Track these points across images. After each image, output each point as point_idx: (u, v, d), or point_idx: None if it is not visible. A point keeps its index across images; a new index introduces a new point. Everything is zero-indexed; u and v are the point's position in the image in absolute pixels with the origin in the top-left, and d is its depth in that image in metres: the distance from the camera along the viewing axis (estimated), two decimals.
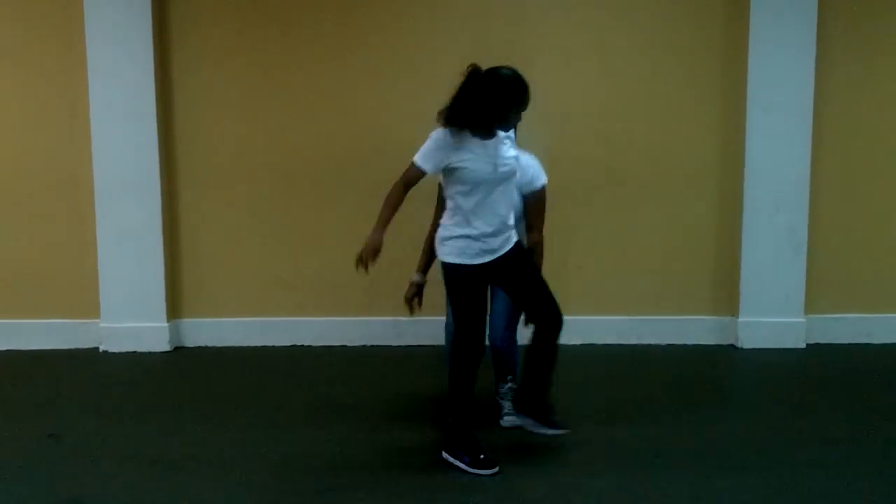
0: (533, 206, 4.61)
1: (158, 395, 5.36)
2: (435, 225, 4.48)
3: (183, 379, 5.72)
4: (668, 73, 6.28)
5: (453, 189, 4.11)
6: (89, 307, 6.35)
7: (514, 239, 4.23)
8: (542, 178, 4.61)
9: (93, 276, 6.28)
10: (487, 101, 4.02)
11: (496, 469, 3.99)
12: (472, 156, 4.00)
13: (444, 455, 4.13)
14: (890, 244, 6.42)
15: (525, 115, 4.22)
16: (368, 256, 4.09)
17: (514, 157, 4.17)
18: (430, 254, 4.60)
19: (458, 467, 4.03)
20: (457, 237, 4.10)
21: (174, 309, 6.42)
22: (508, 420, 4.54)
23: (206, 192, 6.37)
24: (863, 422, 4.70)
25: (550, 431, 4.21)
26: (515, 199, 4.39)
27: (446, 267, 4.17)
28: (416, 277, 4.71)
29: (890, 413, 4.86)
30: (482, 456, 4.03)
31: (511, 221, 4.18)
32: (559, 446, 4.30)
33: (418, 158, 4.08)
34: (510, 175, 4.12)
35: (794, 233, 6.23)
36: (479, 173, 3.99)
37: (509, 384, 4.63)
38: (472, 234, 4.06)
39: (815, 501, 3.64)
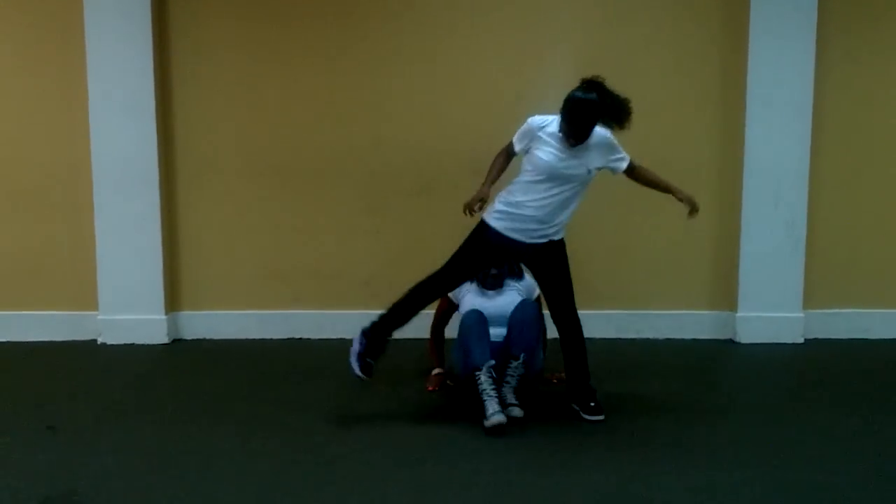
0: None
1: (156, 387, 5.36)
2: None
3: (181, 371, 5.72)
4: (668, 69, 6.28)
5: (525, 168, 4.56)
6: (87, 299, 6.36)
7: (557, 237, 4.63)
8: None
9: (91, 268, 6.29)
10: (561, 114, 4.46)
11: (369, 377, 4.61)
12: (550, 149, 4.44)
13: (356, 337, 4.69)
14: (889, 239, 6.43)
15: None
16: (474, 203, 4.52)
17: (594, 166, 4.57)
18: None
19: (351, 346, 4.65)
20: (506, 209, 4.54)
21: (172, 301, 6.43)
22: (514, 411, 4.53)
23: (204, 184, 6.37)
24: (861, 417, 4.70)
25: (591, 418, 4.61)
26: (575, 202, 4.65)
27: (483, 224, 4.61)
28: (436, 370, 5.26)
29: (888, 408, 4.86)
30: (368, 360, 4.63)
31: (560, 220, 4.58)
32: (557, 441, 4.30)
33: (514, 138, 4.63)
34: (577, 178, 4.50)
35: (792, 228, 6.23)
36: (547, 165, 4.43)
37: (521, 359, 4.65)
38: (522, 215, 4.51)
39: (813, 497, 3.64)
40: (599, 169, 4.63)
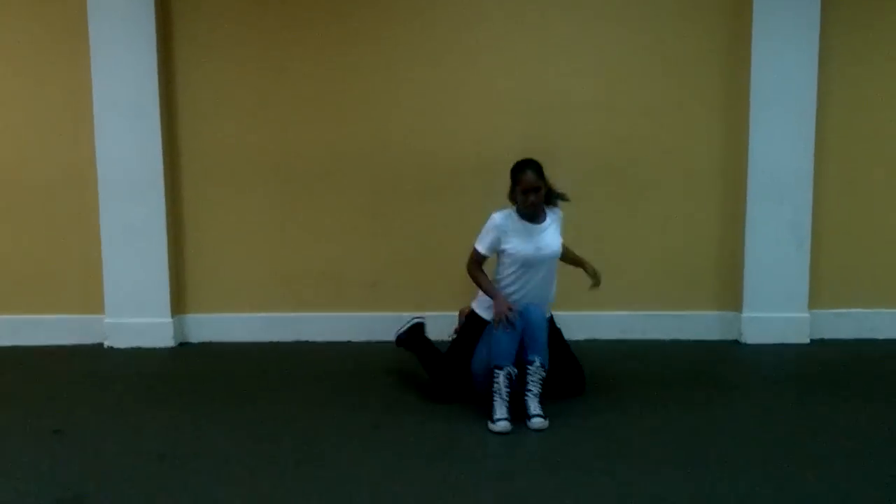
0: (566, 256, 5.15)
1: (163, 390, 5.36)
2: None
3: (187, 374, 5.72)
4: (672, 69, 6.28)
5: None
6: (94, 303, 6.38)
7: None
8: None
9: (97, 272, 6.30)
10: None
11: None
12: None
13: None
14: (894, 239, 6.41)
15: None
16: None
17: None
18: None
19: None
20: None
21: (178, 305, 6.44)
22: (537, 422, 4.50)
23: (209, 187, 6.38)
24: (866, 417, 4.70)
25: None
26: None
27: (476, 317, 4.97)
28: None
29: (892, 408, 4.85)
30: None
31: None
32: (562, 441, 4.31)
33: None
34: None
35: (797, 228, 6.23)
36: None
37: (537, 363, 4.64)
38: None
39: (817, 497, 3.64)
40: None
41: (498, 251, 4.87)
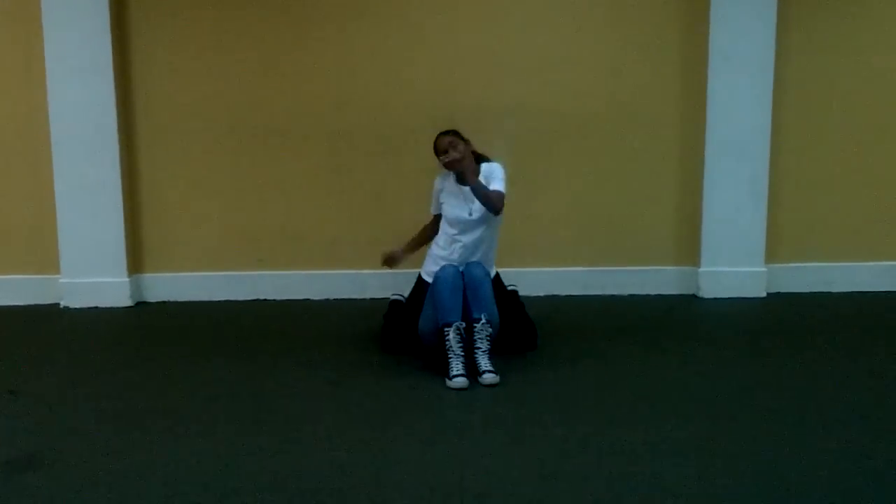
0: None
1: (120, 350, 5.33)
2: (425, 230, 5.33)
3: (145, 334, 5.70)
4: (630, 23, 6.26)
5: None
6: (49, 263, 6.31)
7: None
8: (500, 185, 4.91)
9: (52, 231, 6.24)
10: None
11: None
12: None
13: None
14: (850, 194, 6.48)
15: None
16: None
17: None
18: (414, 245, 5.37)
19: None
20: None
21: (135, 264, 6.39)
22: (488, 378, 4.49)
23: (165, 145, 6.31)
24: (819, 369, 4.76)
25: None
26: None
27: (421, 281, 5.08)
28: (397, 250, 5.32)
29: (846, 360, 4.92)
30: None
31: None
32: (520, 396, 4.33)
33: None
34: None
35: (755, 183, 6.27)
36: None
37: (483, 319, 4.63)
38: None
39: (769, 446, 3.68)
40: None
41: (442, 212, 5.08)
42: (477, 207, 4.87)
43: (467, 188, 4.87)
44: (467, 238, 4.95)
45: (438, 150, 4.95)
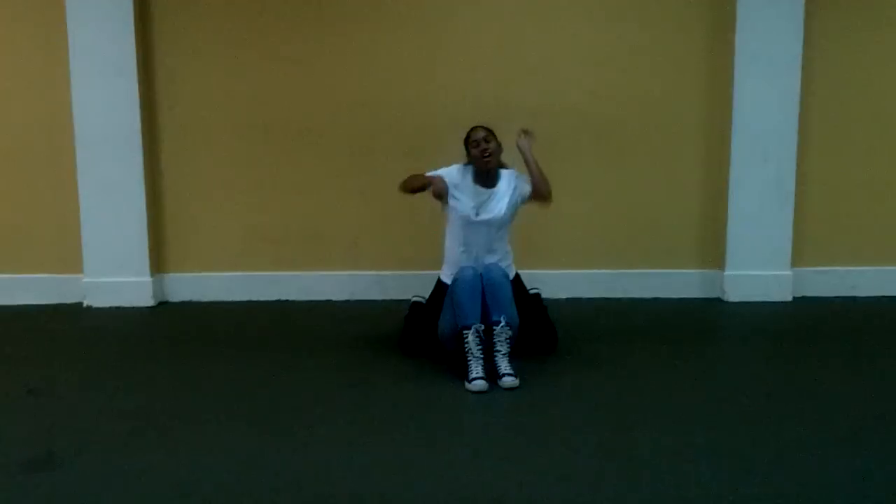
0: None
1: (141, 350, 5.34)
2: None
3: (166, 333, 5.70)
4: (656, 25, 6.21)
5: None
6: (72, 262, 6.33)
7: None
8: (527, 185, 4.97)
9: (76, 231, 6.25)
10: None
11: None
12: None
13: None
14: (876, 197, 6.40)
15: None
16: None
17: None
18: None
19: None
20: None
21: (158, 263, 6.40)
22: (508, 381, 4.45)
23: (189, 145, 6.32)
24: (845, 374, 4.70)
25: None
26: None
27: (440, 283, 5.00)
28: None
29: (872, 365, 4.86)
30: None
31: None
32: (541, 400, 4.30)
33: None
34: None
35: (781, 185, 6.20)
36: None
37: (503, 322, 4.58)
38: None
39: (793, 452, 3.63)
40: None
41: (449, 208, 4.95)
42: (487, 210, 4.87)
43: (483, 189, 4.89)
44: (471, 238, 4.90)
45: (472, 141, 4.88)
